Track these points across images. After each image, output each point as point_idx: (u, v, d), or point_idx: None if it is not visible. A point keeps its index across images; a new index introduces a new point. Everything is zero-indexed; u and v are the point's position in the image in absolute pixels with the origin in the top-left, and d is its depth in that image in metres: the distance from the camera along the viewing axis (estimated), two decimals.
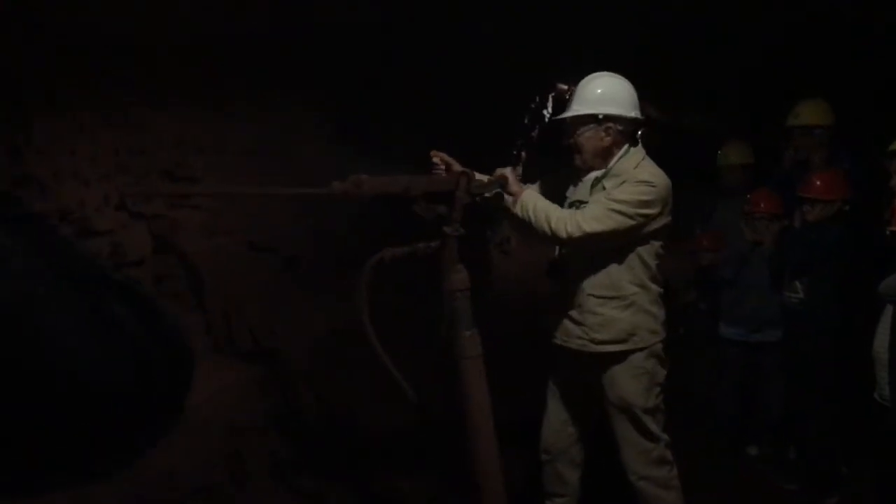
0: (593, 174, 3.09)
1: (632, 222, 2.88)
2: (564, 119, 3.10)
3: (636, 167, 3.00)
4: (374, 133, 4.49)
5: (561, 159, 3.26)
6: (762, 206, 4.33)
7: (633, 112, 3.04)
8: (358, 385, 4.34)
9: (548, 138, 12.80)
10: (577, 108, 3.04)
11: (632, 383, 3.04)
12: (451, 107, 5.36)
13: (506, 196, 2.90)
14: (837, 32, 4.73)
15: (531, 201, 2.87)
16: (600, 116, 2.98)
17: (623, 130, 3.04)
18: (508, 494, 2.78)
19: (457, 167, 2.82)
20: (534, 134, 13.20)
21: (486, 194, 2.89)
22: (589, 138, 3.03)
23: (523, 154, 13.94)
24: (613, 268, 3.00)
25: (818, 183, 3.92)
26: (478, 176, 2.87)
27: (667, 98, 9.24)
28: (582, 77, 3.17)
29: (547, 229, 2.82)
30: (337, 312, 4.23)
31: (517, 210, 2.85)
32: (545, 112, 12.66)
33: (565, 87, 10.71)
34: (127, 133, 3.16)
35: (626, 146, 3.06)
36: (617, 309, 2.99)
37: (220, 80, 3.59)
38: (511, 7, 4.36)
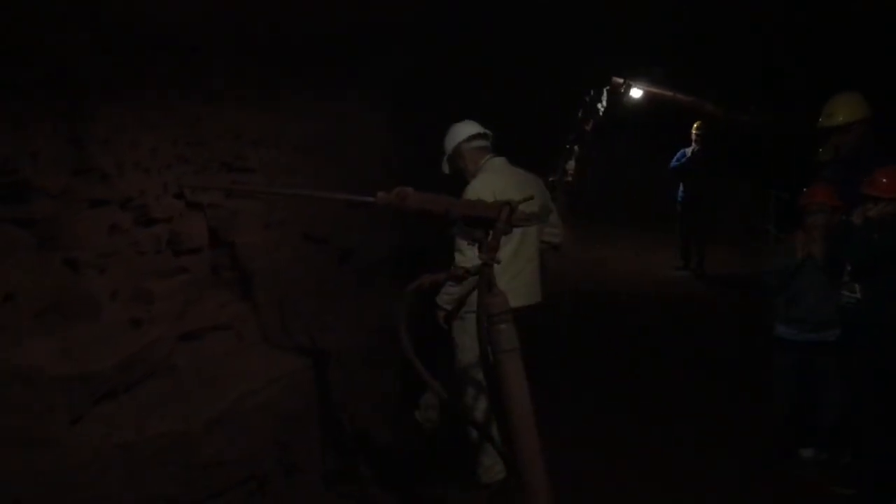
0: None
1: None
2: None
3: None
4: (428, 128, 4.49)
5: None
6: (818, 195, 4.27)
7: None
8: (407, 381, 4.37)
9: (602, 131, 12.77)
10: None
11: None
12: (504, 101, 5.35)
13: None
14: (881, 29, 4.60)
15: None
16: None
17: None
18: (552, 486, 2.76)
19: None
20: (588, 127, 13.11)
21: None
22: None
23: (576, 148, 13.86)
24: None
25: (884, 181, 3.83)
26: None
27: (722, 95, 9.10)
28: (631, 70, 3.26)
29: None
30: (389, 307, 4.26)
31: None
32: (599, 106, 12.56)
33: (621, 80, 10.61)
34: (186, 125, 3.23)
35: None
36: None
37: (277, 76, 3.64)
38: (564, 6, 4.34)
